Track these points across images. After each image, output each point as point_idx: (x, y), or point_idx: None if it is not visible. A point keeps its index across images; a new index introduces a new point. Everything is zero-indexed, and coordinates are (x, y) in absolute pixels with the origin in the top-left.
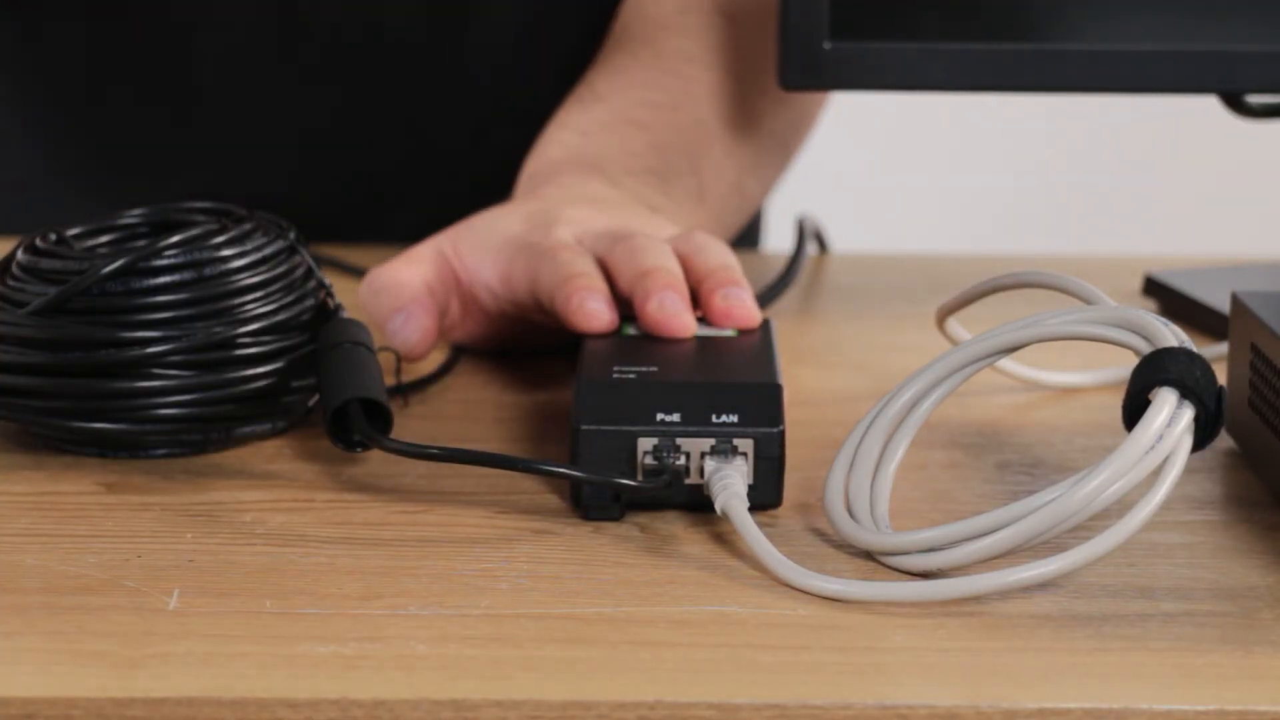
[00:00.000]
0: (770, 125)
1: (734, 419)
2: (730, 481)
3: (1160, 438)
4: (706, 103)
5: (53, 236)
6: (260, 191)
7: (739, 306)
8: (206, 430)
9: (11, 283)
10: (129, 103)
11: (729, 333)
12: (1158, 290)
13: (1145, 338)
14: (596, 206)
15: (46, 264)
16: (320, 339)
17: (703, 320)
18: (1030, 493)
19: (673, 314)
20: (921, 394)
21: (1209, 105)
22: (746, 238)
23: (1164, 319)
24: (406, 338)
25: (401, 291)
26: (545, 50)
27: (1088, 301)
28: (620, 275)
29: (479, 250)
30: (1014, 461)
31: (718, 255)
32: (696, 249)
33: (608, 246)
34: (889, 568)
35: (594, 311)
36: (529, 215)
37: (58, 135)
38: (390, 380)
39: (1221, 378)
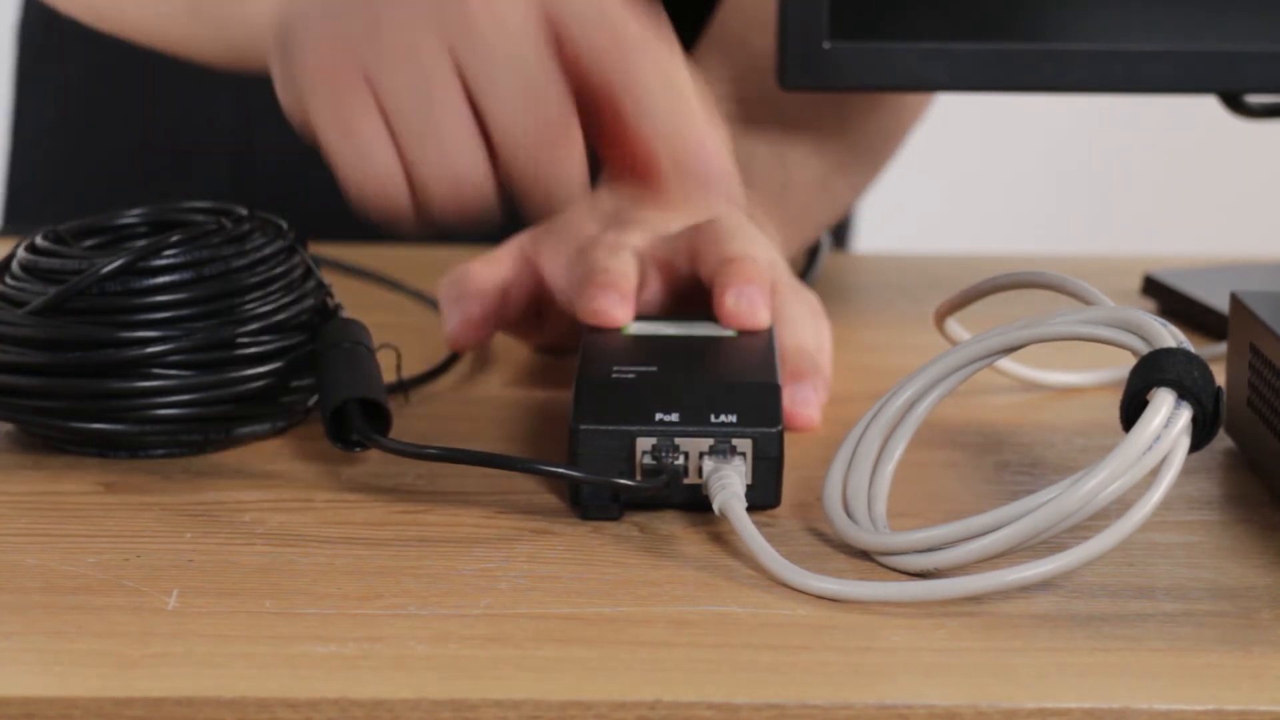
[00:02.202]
0: (860, 127)
1: (732, 419)
2: (728, 482)
3: (1158, 438)
4: (796, 99)
5: (52, 236)
6: (260, 191)
7: (749, 312)
8: (206, 430)
9: (11, 282)
10: (129, 100)
11: (730, 332)
12: (1157, 290)
13: (1143, 338)
14: (669, 205)
15: (46, 264)
16: (320, 339)
17: (706, 318)
18: (1029, 492)
19: (749, 311)
20: (920, 394)
21: (1209, 105)
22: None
23: (1162, 319)
24: (448, 325)
25: (466, 284)
26: None
27: (1086, 302)
28: (703, 261)
29: (555, 253)
30: (1013, 461)
31: (742, 244)
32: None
33: (690, 236)
34: (887, 568)
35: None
36: (604, 216)
37: (60, 133)
38: (391, 378)
39: (1221, 378)
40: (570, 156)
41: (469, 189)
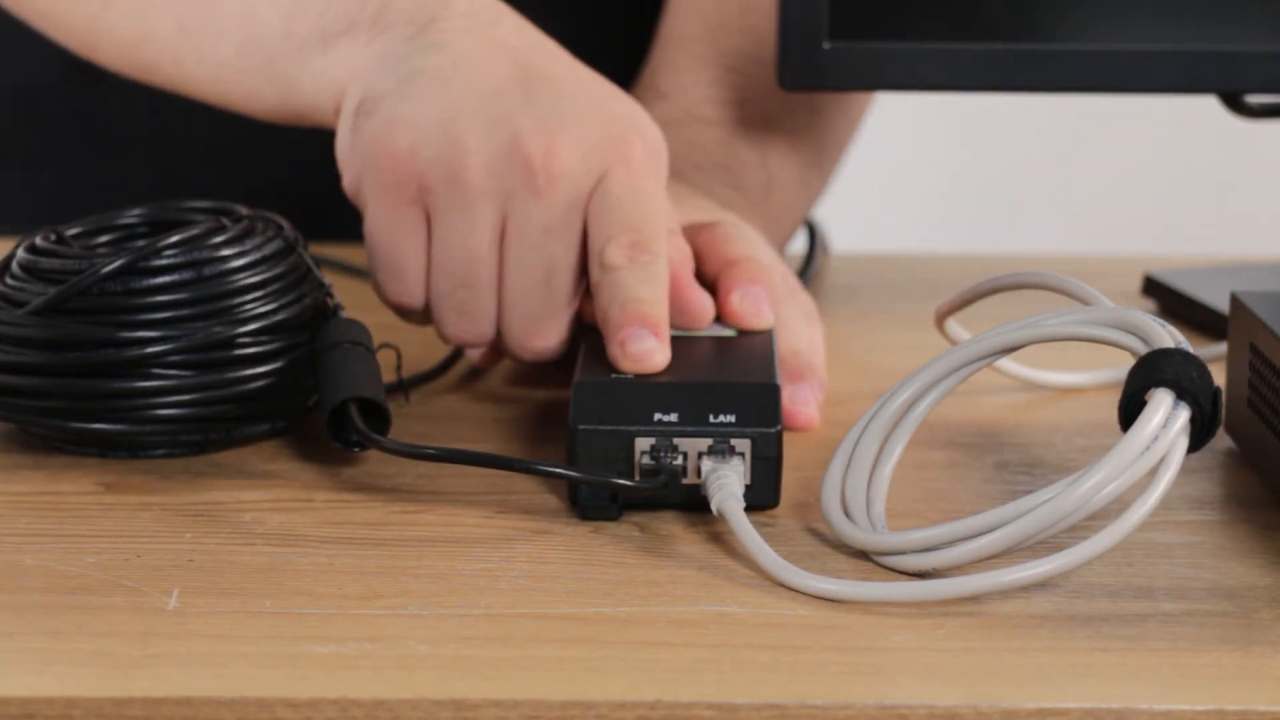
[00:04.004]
0: (830, 121)
1: (731, 419)
2: (726, 481)
3: (1156, 438)
4: (771, 99)
5: (52, 236)
6: (260, 190)
7: (754, 311)
8: (206, 430)
9: (11, 282)
10: (129, 98)
11: (730, 332)
12: (1157, 290)
13: (1142, 338)
14: (672, 202)
15: (46, 264)
16: (319, 339)
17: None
18: (1028, 492)
19: (754, 310)
20: (919, 394)
21: (1209, 105)
22: None
23: (1161, 320)
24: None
25: None
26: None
27: (1085, 302)
28: (707, 261)
29: None
30: (1013, 461)
31: (748, 247)
32: (725, 237)
33: (693, 234)
34: (886, 568)
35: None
36: None
37: (60, 127)
38: (391, 377)
39: (1220, 378)
40: (552, 334)
41: (473, 338)
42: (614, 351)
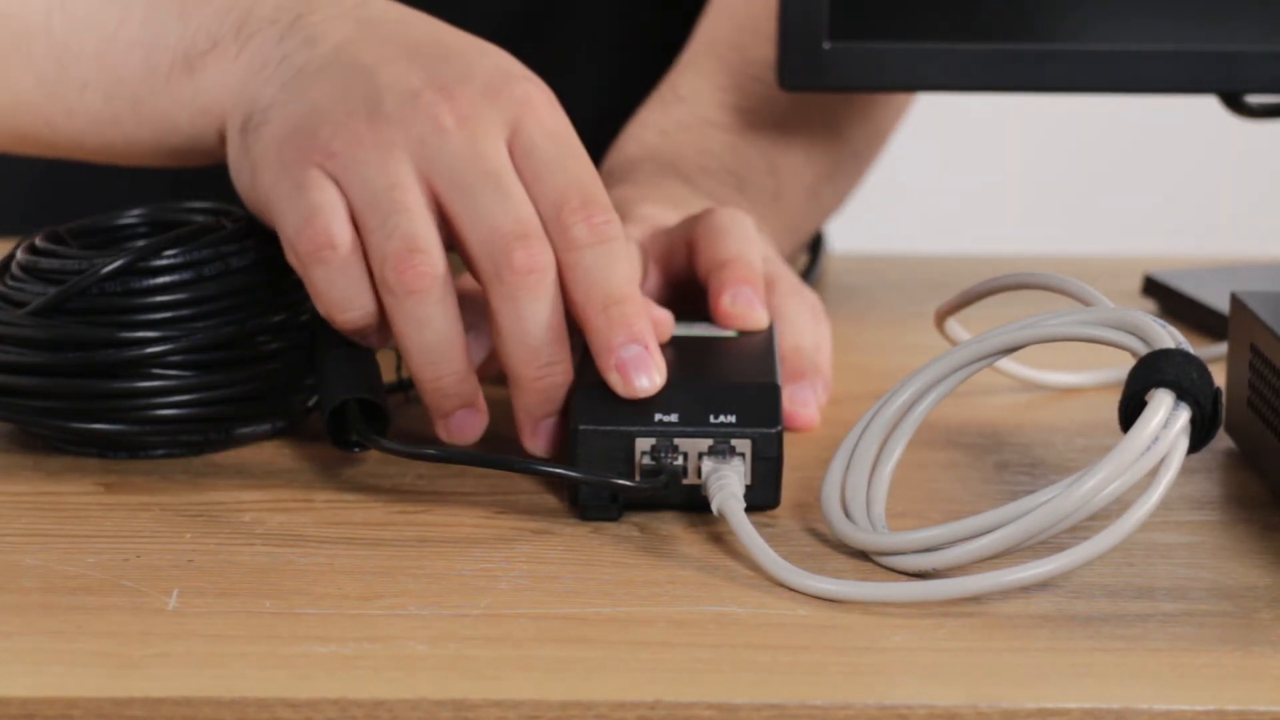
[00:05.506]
0: (850, 136)
1: (732, 419)
2: (727, 482)
3: (1156, 438)
4: (789, 109)
5: (53, 236)
6: None
7: (746, 312)
8: (206, 430)
9: (11, 283)
10: None
11: (730, 333)
12: (1157, 290)
13: (1142, 339)
14: (669, 205)
15: (46, 264)
16: (319, 339)
17: (706, 318)
18: (1028, 493)
19: (745, 311)
20: (919, 394)
21: (1209, 105)
22: None
23: (1161, 320)
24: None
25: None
26: (620, 112)
27: (1086, 302)
28: (700, 257)
29: None
30: (1013, 461)
31: (737, 245)
32: (718, 230)
33: (688, 227)
34: (886, 568)
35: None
36: None
37: None
38: (391, 378)
39: (1221, 378)
40: (535, 246)
41: (425, 270)
42: (611, 379)
